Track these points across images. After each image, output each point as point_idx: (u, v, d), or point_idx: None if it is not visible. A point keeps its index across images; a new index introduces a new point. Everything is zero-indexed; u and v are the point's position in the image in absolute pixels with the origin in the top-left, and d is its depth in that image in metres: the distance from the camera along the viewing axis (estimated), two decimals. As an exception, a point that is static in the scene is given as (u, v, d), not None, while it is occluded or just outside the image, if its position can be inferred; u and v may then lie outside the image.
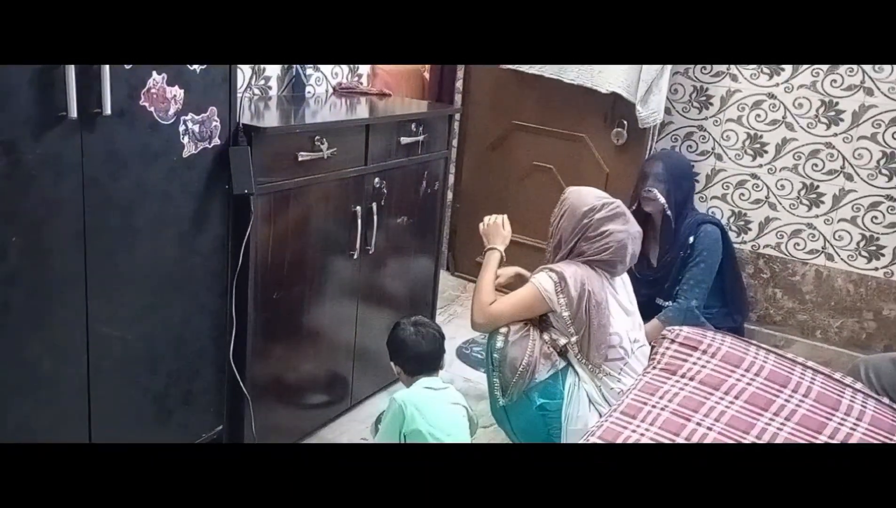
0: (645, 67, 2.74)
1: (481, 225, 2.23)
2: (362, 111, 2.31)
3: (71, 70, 1.30)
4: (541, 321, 2.04)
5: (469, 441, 1.88)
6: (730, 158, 3.03)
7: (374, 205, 2.16)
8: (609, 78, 2.85)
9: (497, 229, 2.20)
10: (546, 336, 2.00)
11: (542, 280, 1.97)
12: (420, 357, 1.92)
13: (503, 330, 2.01)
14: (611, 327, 1.96)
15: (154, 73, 1.47)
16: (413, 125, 2.28)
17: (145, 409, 1.66)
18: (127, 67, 1.42)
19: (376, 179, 2.16)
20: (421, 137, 2.31)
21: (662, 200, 2.51)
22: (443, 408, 1.84)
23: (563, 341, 1.97)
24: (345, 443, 2.15)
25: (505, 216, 2.22)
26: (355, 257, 2.14)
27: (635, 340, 2.04)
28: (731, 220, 3.06)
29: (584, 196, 2.03)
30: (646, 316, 2.56)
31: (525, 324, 2.01)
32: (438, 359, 1.95)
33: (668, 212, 2.53)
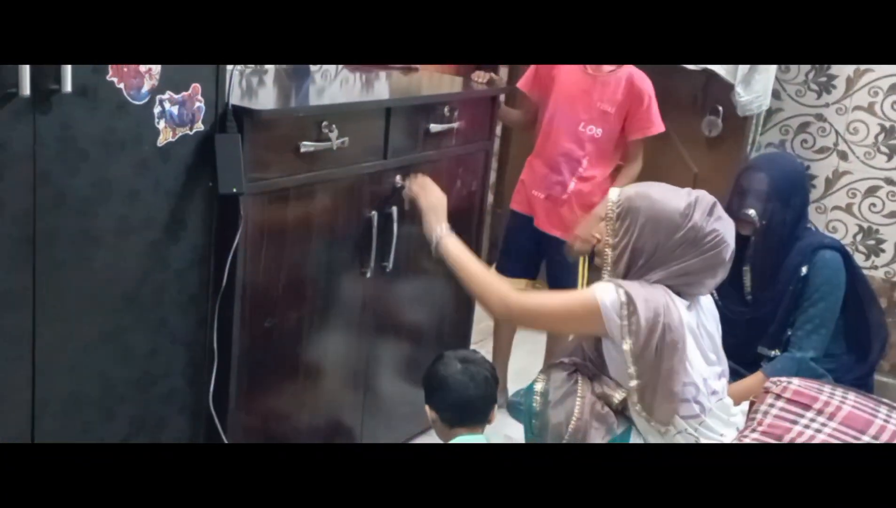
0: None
1: (412, 191, 2.15)
2: (381, 90, 2.34)
3: (23, 37, 1.34)
4: (590, 368, 2.00)
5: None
6: (857, 158, 2.99)
7: (395, 210, 2.17)
8: (700, 51, 2.84)
9: (440, 203, 2.12)
10: (598, 389, 1.97)
11: (605, 294, 1.89)
12: (465, 405, 1.91)
13: (539, 387, 1.98)
14: (686, 375, 1.91)
15: (125, 40, 1.50)
16: (446, 109, 2.29)
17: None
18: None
19: (398, 177, 2.17)
20: (456, 125, 2.33)
21: (759, 225, 2.48)
22: None
23: (618, 396, 1.93)
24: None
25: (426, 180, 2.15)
26: (369, 275, 2.16)
27: (713, 392, 2.00)
28: (859, 238, 3.01)
29: (662, 197, 1.95)
30: (745, 367, 2.52)
31: (571, 374, 1.98)
32: (487, 410, 1.95)
33: (765, 241, 2.49)
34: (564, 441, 1.92)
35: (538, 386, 1.98)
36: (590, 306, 1.91)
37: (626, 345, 1.88)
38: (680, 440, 1.93)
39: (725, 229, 1.95)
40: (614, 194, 2.01)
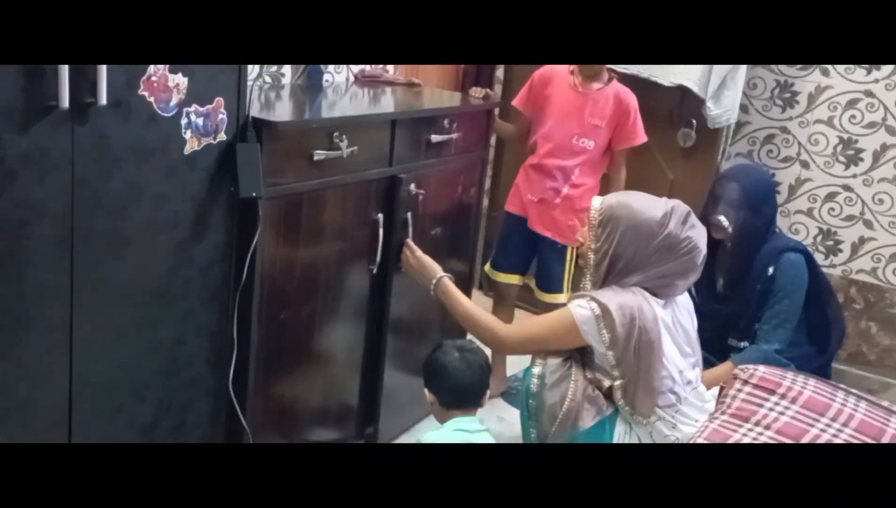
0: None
1: (405, 264, 2.22)
2: (387, 104, 2.35)
3: (65, 55, 1.35)
4: (582, 355, 2.02)
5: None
6: (818, 167, 3.01)
7: (409, 215, 2.20)
8: (675, 69, 2.86)
9: (424, 261, 2.18)
10: (589, 374, 1.98)
11: (580, 311, 1.92)
12: (461, 389, 1.95)
13: (537, 370, 2.00)
14: (662, 369, 1.93)
15: (157, 58, 1.51)
16: (446, 121, 2.32)
17: (131, 442, 1.69)
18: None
19: (412, 185, 2.20)
20: (455, 135, 2.35)
21: (731, 230, 2.50)
22: None
23: (607, 382, 1.95)
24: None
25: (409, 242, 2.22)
26: (375, 272, 2.17)
27: (688, 382, 2.01)
28: (819, 239, 3.04)
29: (641, 207, 1.97)
30: (717, 357, 2.55)
31: (566, 360, 1.99)
32: (481, 394, 1.98)
33: (736, 244, 2.51)
34: (558, 420, 1.94)
35: (536, 370, 2.00)
36: (568, 325, 1.94)
37: (608, 354, 1.90)
38: (659, 425, 1.96)
39: (698, 236, 1.97)
40: (597, 202, 2.02)
